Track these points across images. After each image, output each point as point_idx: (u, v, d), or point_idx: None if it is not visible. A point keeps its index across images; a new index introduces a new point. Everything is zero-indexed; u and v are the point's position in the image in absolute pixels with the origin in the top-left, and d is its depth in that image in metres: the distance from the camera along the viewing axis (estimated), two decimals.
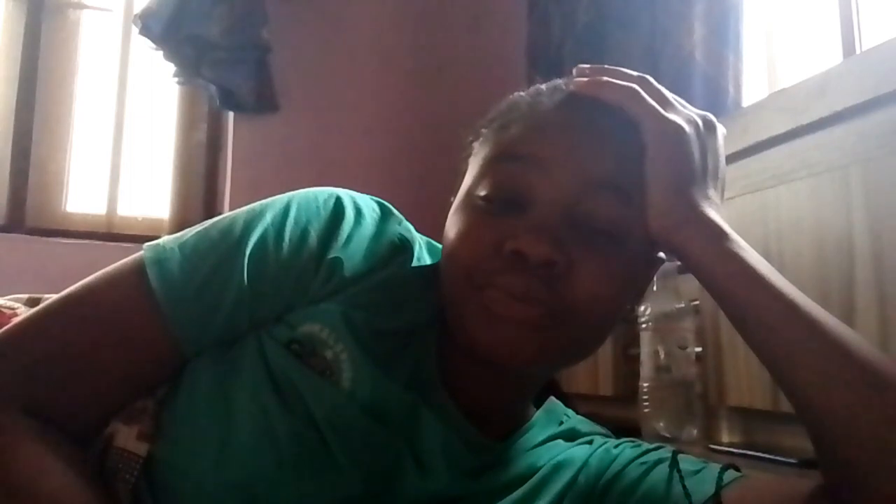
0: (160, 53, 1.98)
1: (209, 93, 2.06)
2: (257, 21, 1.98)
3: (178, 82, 2.05)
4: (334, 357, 0.59)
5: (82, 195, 2.11)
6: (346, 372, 0.59)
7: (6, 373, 0.56)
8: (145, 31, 1.95)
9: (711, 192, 0.57)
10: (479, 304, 0.55)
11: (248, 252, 0.58)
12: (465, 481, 0.61)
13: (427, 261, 0.66)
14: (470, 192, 0.59)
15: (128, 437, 0.58)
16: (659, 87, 0.60)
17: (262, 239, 0.59)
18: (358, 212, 0.64)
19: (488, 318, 0.55)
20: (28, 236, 1.96)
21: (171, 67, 2.01)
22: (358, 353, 0.59)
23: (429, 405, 0.60)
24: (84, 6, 2.18)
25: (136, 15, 1.97)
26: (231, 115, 2.09)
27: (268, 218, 0.60)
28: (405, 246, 0.65)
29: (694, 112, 0.59)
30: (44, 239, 1.94)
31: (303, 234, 0.60)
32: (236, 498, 0.55)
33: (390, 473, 0.59)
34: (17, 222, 1.99)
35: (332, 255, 0.60)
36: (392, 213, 0.67)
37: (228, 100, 2.01)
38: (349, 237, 0.62)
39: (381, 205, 0.67)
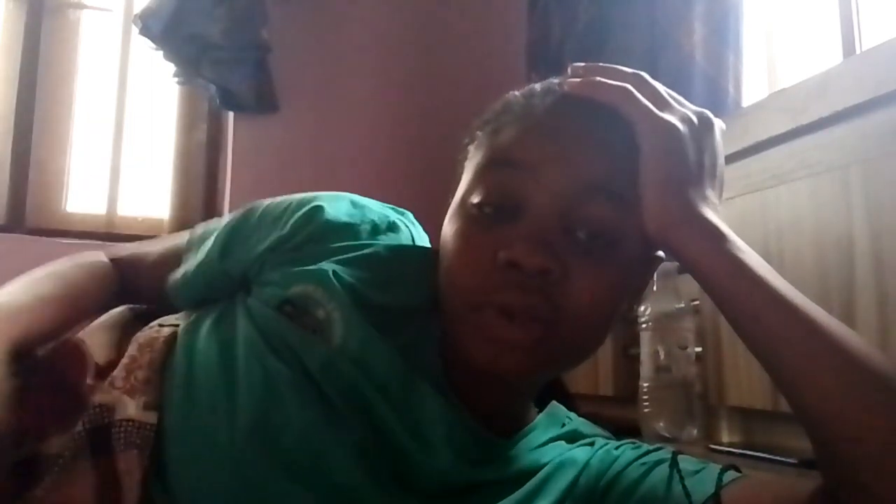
0: (160, 53, 1.98)
1: (209, 93, 2.06)
2: (257, 21, 1.98)
3: (178, 82, 2.05)
4: (326, 315, 0.61)
5: (82, 195, 2.11)
6: (337, 329, 0.60)
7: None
8: (145, 31, 1.95)
9: (709, 192, 0.57)
10: (475, 326, 0.56)
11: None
12: (470, 467, 0.61)
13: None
14: (464, 200, 0.59)
15: (135, 409, 0.60)
16: (654, 84, 0.59)
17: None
18: (364, 201, 0.69)
19: (485, 341, 0.55)
20: (28, 236, 1.96)
21: (171, 67, 2.01)
22: (350, 310, 0.60)
23: (431, 388, 0.60)
24: (84, 6, 2.18)
25: (136, 15, 1.97)
26: (231, 115, 2.09)
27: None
28: (402, 229, 0.68)
29: (690, 109, 0.59)
30: (44, 239, 1.94)
31: (292, 195, 0.69)
32: (250, 450, 0.56)
33: (385, 438, 0.59)
34: (17, 222, 2.00)
35: (315, 203, 0.65)
36: (402, 210, 0.71)
37: (228, 100, 2.01)
38: (341, 197, 0.67)
39: (396, 208, 0.71)
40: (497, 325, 0.54)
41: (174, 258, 0.73)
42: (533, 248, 0.53)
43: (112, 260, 0.76)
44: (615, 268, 0.56)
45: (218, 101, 2.02)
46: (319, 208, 0.65)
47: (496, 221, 0.56)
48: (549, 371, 0.62)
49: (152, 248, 0.78)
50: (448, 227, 0.60)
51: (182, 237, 0.75)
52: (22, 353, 0.61)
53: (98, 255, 0.76)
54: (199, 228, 0.75)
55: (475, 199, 0.58)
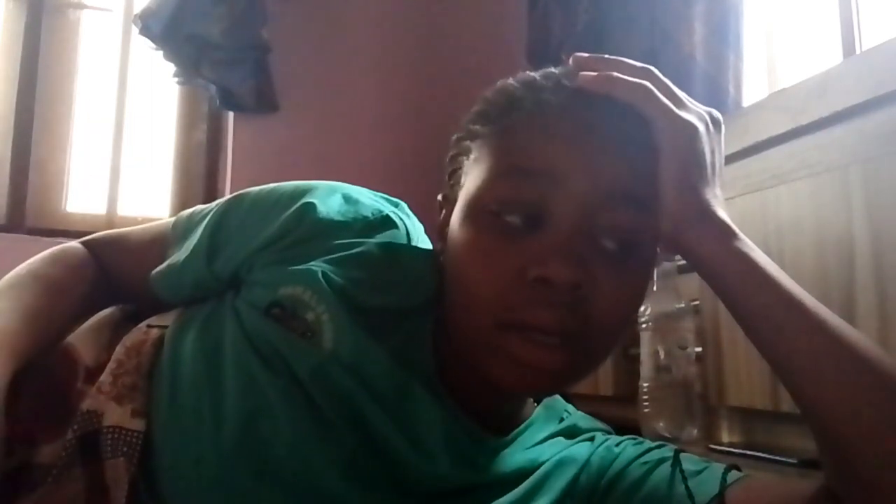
0: (160, 53, 1.98)
1: (209, 93, 2.06)
2: (257, 21, 1.98)
3: (178, 82, 2.05)
4: (316, 318, 0.59)
5: (82, 195, 2.11)
6: (328, 333, 0.59)
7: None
8: (145, 31, 1.95)
9: (718, 190, 0.57)
10: (503, 349, 0.54)
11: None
12: (468, 469, 0.60)
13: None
14: (477, 205, 0.56)
15: (122, 416, 0.59)
16: (665, 80, 0.58)
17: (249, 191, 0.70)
18: (357, 194, 0.67)
19: (511, 363, 0.54)
20: (28, 236, 1.96)
21: (171, 67, 2.01)
22: (340, 313, 0.59)
23: (426, 391, 0.60)
24: (84, 6, 2.18)
25: (136, 15, 1.97)
26: (231, 115, 2.09)
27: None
28: (396, 223, 0.66)
29: (703, 109, 0.58)
30: (44, 239, 1.94)
31: (281, 185, 0.68)
32: (236, 460, 0.55)
33: (378, 446, 0.58)
34: (17, 222, 2.00)
35: (307, 199, 0.64)
36: (396, 200, 0.69)
37: (228, 100, 2.01)
38: (333, 190, 0.66)
39: (390, 198, 0.70)
40: (528, 351, 0.53)
41: (159, 245, 0.71)
42: (564, 263, 0.52)
43: (87, 245, 0.74)
44: (637, 273, 0.56)
45: (218, 101, 2.02)
46: (311, 206, 0.63)
47: (518, 232, 0.54)
48: (571, 383, 0.61)
49: (134, 231, 0.76)
50: (461, 234, 0.57)
51: (167, 224, 0.73)
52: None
53: (72, 245, 0.74)
54: (184, 215, 0.73)
55: (494, 208, 0.55)
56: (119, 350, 0.64)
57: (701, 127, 0.56)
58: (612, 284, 0.54)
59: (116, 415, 0.59)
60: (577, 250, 0.53)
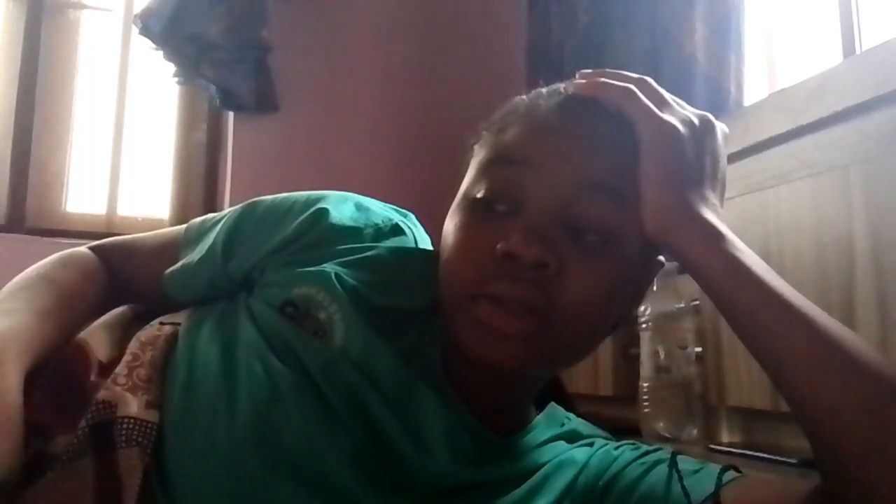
0: (160, 53, 1.98)
1: (209, 93, 2.06)
2: (257, 21, 1.98)
3: (178, 82, 2.05)
4: (328, 318, 0.61)
5: (82, 195, 2.11)
6: (339, 331, 0.61)
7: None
8: (145, 31, 1.95)
9: (708, 193, 0.57)
10: (470, 315, 0.56)
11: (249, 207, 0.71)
12: (468, 468, 0.61)
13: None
14: (466, 195, 0.61)
15: (137, 407, 0.60)
16: (658, 88, 0.60)
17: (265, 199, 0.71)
18: (368, 203, 0.69)
19: (479, 330, 0.56)
20: (28, 236, 1.96)
21: (171, 67, 2.01)
22: (351, 313, 0.61)
23: (431, 390, 0.61)
24: (84, 6, 2.18)
25: (136, 15, 1.97)
26: (231, 115, 2.09)
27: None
28: (405, 231, 0.68)
29: (691, 112, 0.60)
30: (44, 239, 1.94)
31: (294, 193, 0.70)
32: (249, 450, 0.56)
33: (382, 441, 0.59)
34: (17, 222, 1.99)
35: (320, 205, 0.66)
36: (405, 211, 0.71)
37: (228, 100, 2.01)
38: (346, 199, 0.68)
39: (399, 209, 0.71)
40: (492, 316, 0.55)
41: (171, 251, 0.73)
42: (530, 241, 0.54)
43: (96, 250, 0.75)
44: (612, 266, 0.57)
45: (218, 101, 2.02)
46: (324, 211, 0.66)
47: (497, 216, 0.57)
48: (543, 365, 0.62)
49: (145, 238, 0.77)
50: (449, 222, 0.61)
51: (178, 230, 0.75)
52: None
53: (81, 250, 0.74)
54: (197, 221, 0.75)
55: (477, 194, 0.59)
56: (134, 344, 0.65)
57: (682, 128, 0.57)
58: (582, 271, 0.55)
59: (132, 405, 0.60)
60: (546, 232, 0.55)
